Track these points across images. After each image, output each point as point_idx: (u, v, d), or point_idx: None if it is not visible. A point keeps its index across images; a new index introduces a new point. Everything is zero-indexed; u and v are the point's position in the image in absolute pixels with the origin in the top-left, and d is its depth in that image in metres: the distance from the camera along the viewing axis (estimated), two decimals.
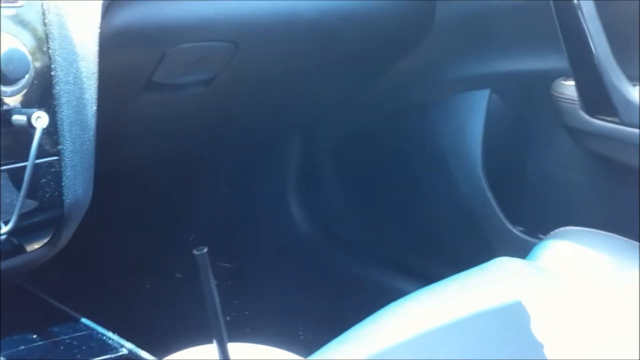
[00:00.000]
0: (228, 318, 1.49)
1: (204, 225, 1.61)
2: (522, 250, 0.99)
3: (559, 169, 1.26)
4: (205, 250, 0.46)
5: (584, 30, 1.05)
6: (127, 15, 0.81)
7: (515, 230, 1.28)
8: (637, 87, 1.07)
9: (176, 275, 1.55)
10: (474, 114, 1.30)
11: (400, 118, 1.42)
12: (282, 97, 1.27)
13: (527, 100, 1.27)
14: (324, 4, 1.04)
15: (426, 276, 1.38)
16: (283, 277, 1.56)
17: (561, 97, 1.15)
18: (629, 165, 1.12)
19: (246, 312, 1.50)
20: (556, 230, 1.03)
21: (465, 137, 1.32)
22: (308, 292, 1.52)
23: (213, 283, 0.48)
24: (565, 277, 0.88)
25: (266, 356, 0.64)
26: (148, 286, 1.53)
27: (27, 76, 0.64)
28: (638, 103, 1.05)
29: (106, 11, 0.75)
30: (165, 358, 0.63)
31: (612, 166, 1.15)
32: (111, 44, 0.77)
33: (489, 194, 1.29)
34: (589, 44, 1.05)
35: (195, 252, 0.46)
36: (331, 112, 1.48)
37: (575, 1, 1.04)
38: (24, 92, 0.65)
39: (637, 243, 0.97)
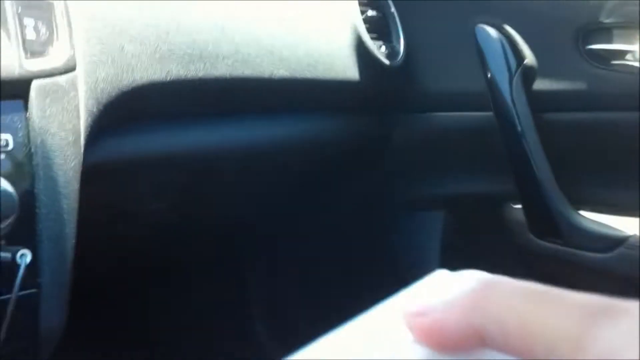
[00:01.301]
0: None
1: (168, 342, 1.61)
2: None
3: None
4: None
5: (529, 159, 1.13)
6: (102, 152, 0.86)
7: None
8: (580, 212, 1.15)
9: None
10: (430, 234, 1.36)
11: (359, 233, 1.47)
12: (244, 219, 1.32)
13: (480, 221, 1.34)
14: (279, 136, 1.11)
15: None
16: None
17: (510, 219, 1.22)
18: (574, 285, 1.18)
19: None
20: None
21: (422, 254, 1.38)
22: None
23: None
24: None
25: None
26: None
27: (13, 216, 0.68)
28: (581, 226, 1.13)
29: (86, 149, 0.80)
30: None
31: (560, 286, 1.21)
32: (87, 178, 0.82)
33: None
34: (534, 171, 1.13)
35: None
36: (292, 230, 1.53)
37: (520, 130, 1.13)
38: (8, 229, 0.68)
39: None
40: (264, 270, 1.60)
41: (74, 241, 0.75)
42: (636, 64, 1.09)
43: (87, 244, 0.88)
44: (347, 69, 1.13)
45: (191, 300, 1.59)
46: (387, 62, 1.17)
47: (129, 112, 0.86)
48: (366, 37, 1.14)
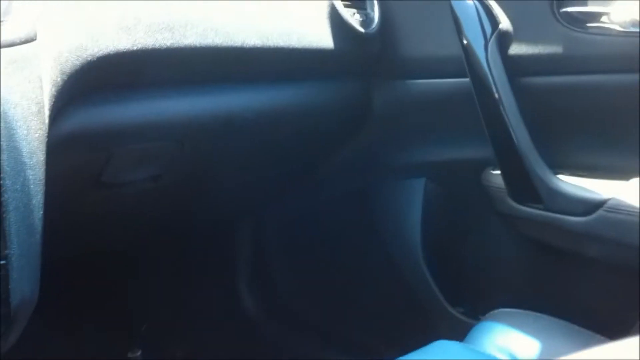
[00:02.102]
0: None
1: (156, 313, 1.62)
2: (462, 330, 1.04)
3: (493, 252, 1.32)
4: (140, 353, 0.50)
5: (506, 124, 1.13)
6: (74, 122, 0.86)
7: (455, 312, 1.33)
8: (559, 175, 1.15)
9: None
10: (412, 201, 1.36)
11: (342, 203, 1.48)
12: (228, 189, 1.32)
13: (461, 187, 1.34)
14: (258, 105, 1.10)
15: (375, 353, 1.42)
16: None
17: (491, 185, 1.22)
18: (556, 247, 1.19)
19: None
20: (492, 312, 1.08)
21: (404, 223, 1.38)
22: None
23: None
24: None
25: None
26: None
27: None
28: (560, 190, 1.13)
29: (53, 120, 0.80)
30: None
31: (541, 248, 1.21)
32: (59, 148, 0.82)
33: (429, 277, 1.34)
34: (511, 136, 1.13)
35: (129, 355, 0.49)
36: (276, 199, 1.53)
37: (497, 96, 1.12)
38: None
39: (566, 322, 1.03)
40: (249, 239, 1.60)
41: (42, 212, 0.75)
42: (612, 25, 1.09)
43: (62, 216, 0.88)
44: (321, 37, 1.12)
45: (177, 269, 1.60)
46: (361, 30, 1.16)
47: (96, 82, 0.85)
48: (339, 5, 1.13)
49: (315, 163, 1.41)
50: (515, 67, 1.13)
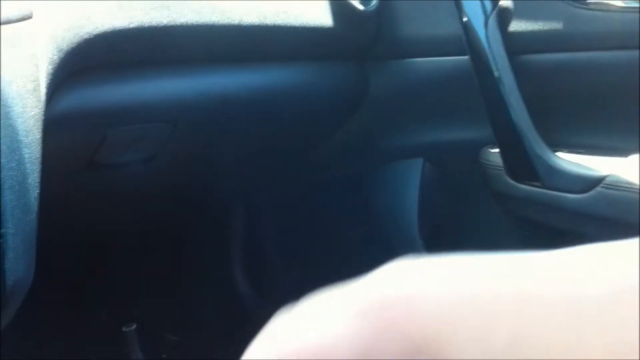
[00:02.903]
0: None
1: (150, 298, 1.61)
2: None
3: (491, 234, 1.32)
4: (134, 326, 0.49)
5: (505, 102, 1.12)
6: (70, 101, 0.85)
7: None
8: (557, 153, 1.14)
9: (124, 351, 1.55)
10: (409, 182, 1.36)
11: (338, 186, 1.47)
12: (221, 171, 1.31)
13: (458, 168, 1.33)
14: (255, 86, 1.09)
15: None
16: (230, 345, 1.57)
17: (488, 164, 1.21)
18: (554, 227, 1.18)
19: None
20: None
21: (401, 204, 1.37)
22: None
23: (141, 357, 0.50)
24: None
25: None
26: None
27: None
28: (559, 168, 1.12)
29: (50, 98, 0.79)
30: None
31: (539, 228, 1.21)
32: (54, 127, 0.81)
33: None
34: (510, 114, 1.12)
35: (124, 329, 0.48)
36: (271, 182, 1.52)
37: (496, 74, 1.11)
38: None
39: None
40: (244, 220, 1.59)
41: (37, 191, 0.74)
42: (612, 1, 1.08)
43: (55, 197, 0.87)
44: (320, 15, 1.11)
45: (170, 252, 1.59)
46: (360, 7, 1.15)
47: (92, 60, 0.84)
48: None
49: (311, 145, 1.40)
50: (514, 44, 1.12)
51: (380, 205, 1.43)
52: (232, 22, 0.98)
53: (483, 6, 1.11)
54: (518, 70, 1.12)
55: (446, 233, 1.37)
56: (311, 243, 1.54)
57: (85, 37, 0.81)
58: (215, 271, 1.63)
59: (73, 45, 0.80)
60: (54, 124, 0.81)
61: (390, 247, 1.40)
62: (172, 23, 0.90)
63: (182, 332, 1.60)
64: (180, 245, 1.63)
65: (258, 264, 1.61)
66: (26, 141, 0.72)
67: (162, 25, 0.89)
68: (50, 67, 0.77)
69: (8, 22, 0.72)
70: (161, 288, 1.62)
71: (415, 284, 0.26)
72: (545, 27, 1.11)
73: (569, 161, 1.13)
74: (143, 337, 1.43)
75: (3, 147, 0.70)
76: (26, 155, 0.72)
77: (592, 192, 1.09)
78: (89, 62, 0.84)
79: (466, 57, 1.14)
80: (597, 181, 1.08)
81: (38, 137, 0.74)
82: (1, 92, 0.70)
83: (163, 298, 1.61)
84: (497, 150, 1.19)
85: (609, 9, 1.07)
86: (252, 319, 1.59)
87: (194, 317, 1.62)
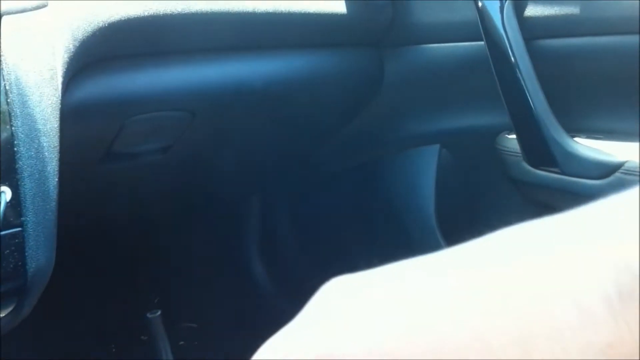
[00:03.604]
0: None
1: (169, 286, 1.62)
2: None
3: (508, 221, 1.31)
4: (159, 313, 0.49)
5: (523, 87, 1.11)
6: (88, 90, 0.85)
7: None
8: (575, 139, 1.13)
9: (142, 338, 1.56)
10: (425, 169, 1.35)
11: (353, 175, 1.47)
12: (238, 161, 1.31)
13: (475, 155, 1.32)
14: (271, 74, 1.09)
15: None
16: (248, 336, 1.58)
17: (505, 150, 1.21)
18: None
19: None
20: None
21: (417, 192, 1.37)
22: None
23: (167, 343, 0.51)
24: None
25: None
26: (114, 349, 1.53)
27: None
28: (577, 154, 1.12)
29: (67, 87, 0.79)
30: None
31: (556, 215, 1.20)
32: (72, 117, 0.81)
33: (444, 247, 1.33)
34: (528, 99, 1.11)
35: (148, 315, 0.49)
36: (287, 171, 1.52)
37: (513, 59, 1.11)
38: None
39: None
40: (260, 210, 1.60)
41: (56, 179, 0.75)
42: None
43: (73, 187, 0.88)
44: (335, 1, 1.11)
45: (187, 242, 1.60)
46: None
47: (108, 49, 0.85)
48: None
49: (328, 133, 1.40)
50: (531, 30, 1.11)
51: (396, 193, 1.43)
52: (247, 10, 0.98)
53: None
54: (535, 55, 1.11)
55: (463, 220, 1.37)
56: (327, 232, 1.55)
57: (100, 25, 0.81)
58: (232, 260, 1.63)
59: (88, 34, 0.80)
60: (71, 113, 0.81)
61: (407, 234, 1.40)
62: (187, 11, 0.90)
63: (200, 319, 1.61)
64: (197, 234, 1.64)
65: (274, 253, 1.61)
66: (44, 130, 0.72)
67: (176, 12, 0.89)
68: (66, 55, 0.77)
69: (24, 10, 0.73)
70: (179, 276, 1.63)
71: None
72: (563, 12, 1.10)
73: (587, 147, 1.12)
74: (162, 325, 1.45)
75: (21, 136, 0.70)
76: (44, 144, 0.72)
77: (610, 178, 1.08)
78: (105, 50, 0.85)
79: (482, 43, 1.13)
80: (615, 167, 1.07)
81: (56, 125, 0.74)
82: (19, 81, 0.70)
83: (181, 287, 1.62)
84: (514, 136, 1.18)
85: None
86: (268, 307, 1.60)
87: (211, 305, 1.63)
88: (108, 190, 1.12)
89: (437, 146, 1.33)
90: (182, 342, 1.51)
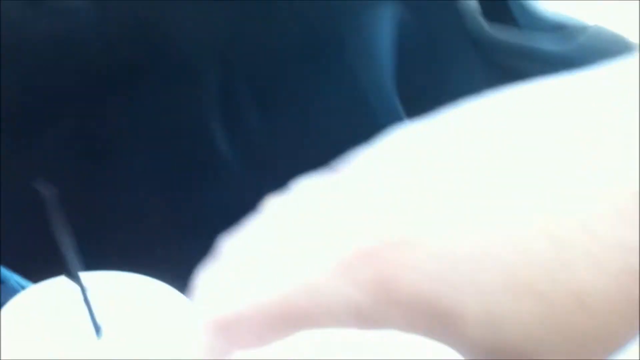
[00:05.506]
0: None
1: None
2: None
3: (466, 93, 1.28)
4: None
5: None
6: None
7: None
8: None
9: None
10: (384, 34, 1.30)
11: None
12: (186, 12, 1.23)
13: (435, 15, 1.27)
14: None
15: None
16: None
17: (464, 8, 1.16)
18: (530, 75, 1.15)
19: None
20: None
21: (377, 60, 1.32)
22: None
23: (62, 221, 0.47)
24: None
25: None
26: None
27: None
28: (539, 16, 1.08)
29: None
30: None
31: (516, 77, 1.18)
32: None
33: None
34: None
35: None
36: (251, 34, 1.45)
37: None
38: None
39: None
40: (218, 82, 1.54)
41: None
42: None
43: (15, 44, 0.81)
44: None
45: (146, 106, 1.54)
46: None
47: None
48: None
49: None
50: None
51: (357, 62, 1.38)
52: None
53: None
54: None
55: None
56: (291, 99, 1.50)
57: None
58: (192, 130, 1.58)
59: None
60: None
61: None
62: None
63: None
64: (152, 99, 1.58)
65: (236, 124, 1.57)
66: None
67: None
68: None
69: None
70: (133, 139, 1.59)
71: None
72: None
73: (550, 9, 1.08)
74: None
75: None
76: None
77: (574, 42, 1.05)
78: None
79: None
80: (579, 30, 1.04)
81: None
82: None
83: (136, 149, 1.57)
84: None
85: None
86: (230, 180, 1.57)
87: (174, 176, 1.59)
88: (47, 48, 1.04)
89: (397, 10, 1.27)
90: None
